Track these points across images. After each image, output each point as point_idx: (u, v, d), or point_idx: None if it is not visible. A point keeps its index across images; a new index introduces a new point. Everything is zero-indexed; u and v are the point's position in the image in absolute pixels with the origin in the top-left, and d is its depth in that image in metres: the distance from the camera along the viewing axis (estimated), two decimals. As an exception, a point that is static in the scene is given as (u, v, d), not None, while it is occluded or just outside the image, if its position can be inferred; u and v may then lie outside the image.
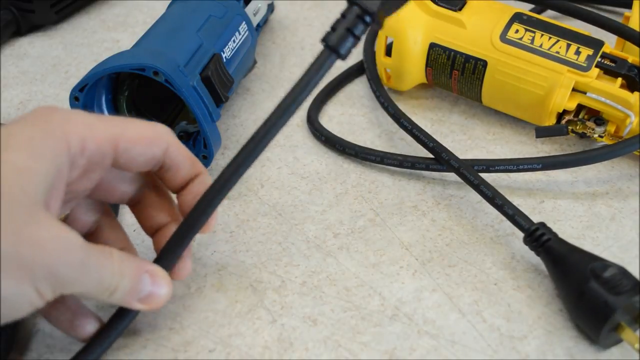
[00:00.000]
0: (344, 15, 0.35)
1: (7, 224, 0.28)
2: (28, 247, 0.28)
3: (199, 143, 0.44)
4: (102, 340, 0.34)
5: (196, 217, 0.35)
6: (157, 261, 0.35)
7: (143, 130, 0.34)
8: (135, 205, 0.37)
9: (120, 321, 0.35)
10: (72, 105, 0.43)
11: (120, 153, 0.33)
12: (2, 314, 0.29)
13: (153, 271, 0.34)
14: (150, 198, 0.37)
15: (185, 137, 0.47)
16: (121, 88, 0.45)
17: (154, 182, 0.37)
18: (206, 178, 0.36)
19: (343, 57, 0.35)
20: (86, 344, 0.34)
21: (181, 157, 0.35)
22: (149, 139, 0.34)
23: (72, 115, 0.32)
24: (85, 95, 0.43)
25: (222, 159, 0.48)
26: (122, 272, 0.32)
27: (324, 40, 0.34)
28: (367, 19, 0.34)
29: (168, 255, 0.35)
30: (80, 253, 0.30)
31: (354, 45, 0.35)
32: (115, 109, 0.46)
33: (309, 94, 0.34)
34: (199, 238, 0.42)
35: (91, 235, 0.36)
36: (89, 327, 0.35)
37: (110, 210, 0.37)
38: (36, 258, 0.28)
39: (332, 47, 0.34)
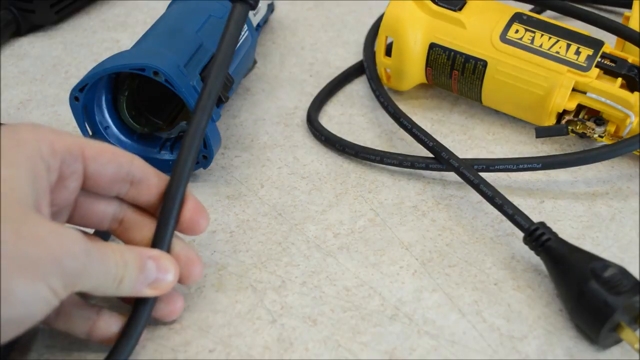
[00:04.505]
0: None
1: (5, 225, 0.28)
2: (30, 243, 0.28)
3: (199, 143, 0.44)
4: (131, 332, 0.34)
5: (170, 201, 0.36)
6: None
7: (104, 143, 0.35)
8: (118, 228, 0.37)
9: (143, 309, 0.34)
10: (73, 106, 0.43)
11: (89, 160, 0.34)
12: (21, 318, 0.29)
13: (156, 256, 0.34)
14: (131, 218, 0.37)
15: (185, 137, 0.47)
16: (121, 88, 0.45)
17: (132, 203, 0.37)
18: None
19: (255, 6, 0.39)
20: (118, 339, 0.34)
21: (148, 168, 0.36)
22: (114, 151, 0.35)
23: (38, 125, 0.33)
24: (85, 95, 0.43)
25: (222, 159, 0.48)
26: (125, 261, 0.33)
27: None
28: None
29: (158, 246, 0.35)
30: (82, 244, 0.30)
31: None
32: (115, 109, 0.46)
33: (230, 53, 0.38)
34: (199, 238, 0.42)
35: None
36: (114, 327, 0.35)
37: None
38: (41, 253, 0.29)
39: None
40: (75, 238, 0.30)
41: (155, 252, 0.35)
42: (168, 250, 0.35)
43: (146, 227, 0.36)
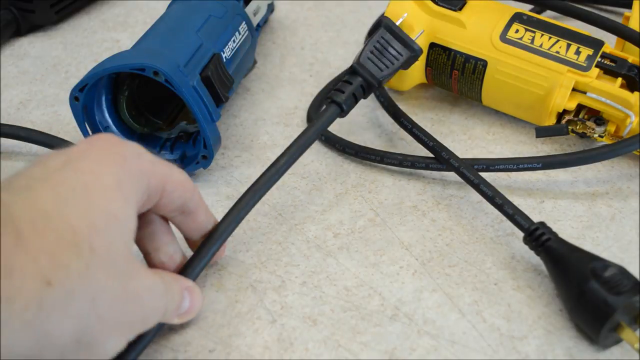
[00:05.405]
0: (349, 82, 0.43)
1: (116, 281, 0.28)
2: (131, 303, 0.30)
3: (199, 143, 0.44)
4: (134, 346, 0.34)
5: (212, 242, 0.37)
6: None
7: (181, 173, 0.35)
8: (142, 229, 0.37)
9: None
10: (72, 106, 0.43)
11: (165, 193, 0.33)
12: None
13: (191, 288, 0.35)
14: (157, 231, 0.37)
15: (185, 137, 0.47)
16: (121, 88, 0.45)
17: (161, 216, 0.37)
18: None
19: (345, 114, 0.43)
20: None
21: (201, 203, 0.36)
22: (186, 184, 0.35)
23: (138, 151, 0.33)
24: (85, 95, 0.43)
25: (222, 159, 0.48)
26: (172, 295, 0.33)
27: (330, 97, 0.42)
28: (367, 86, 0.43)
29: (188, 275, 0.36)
30: (164, 299, 0.32)
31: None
32: (115, 109, 0.46)
33: (314, 139, 0.42)
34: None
35: None
36: None
37: None
38: (137, 315, 0.30)
39: (339, 103, 0.42)
40: (161, 293, 0.31)
41: (191, 283, 0.35)
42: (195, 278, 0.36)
43: (166, 242, 0.37)
